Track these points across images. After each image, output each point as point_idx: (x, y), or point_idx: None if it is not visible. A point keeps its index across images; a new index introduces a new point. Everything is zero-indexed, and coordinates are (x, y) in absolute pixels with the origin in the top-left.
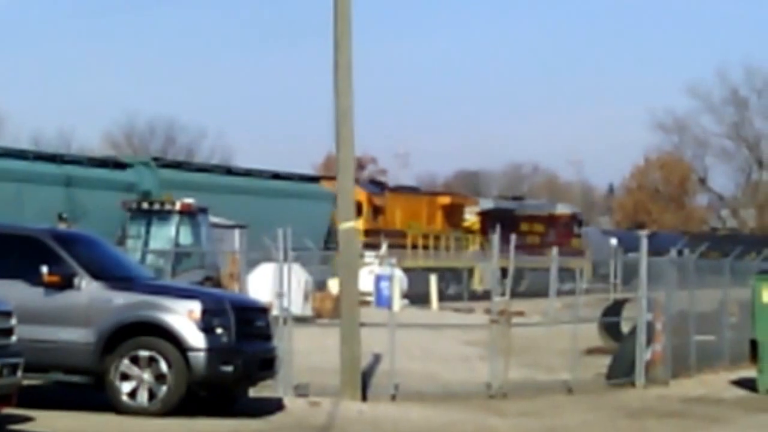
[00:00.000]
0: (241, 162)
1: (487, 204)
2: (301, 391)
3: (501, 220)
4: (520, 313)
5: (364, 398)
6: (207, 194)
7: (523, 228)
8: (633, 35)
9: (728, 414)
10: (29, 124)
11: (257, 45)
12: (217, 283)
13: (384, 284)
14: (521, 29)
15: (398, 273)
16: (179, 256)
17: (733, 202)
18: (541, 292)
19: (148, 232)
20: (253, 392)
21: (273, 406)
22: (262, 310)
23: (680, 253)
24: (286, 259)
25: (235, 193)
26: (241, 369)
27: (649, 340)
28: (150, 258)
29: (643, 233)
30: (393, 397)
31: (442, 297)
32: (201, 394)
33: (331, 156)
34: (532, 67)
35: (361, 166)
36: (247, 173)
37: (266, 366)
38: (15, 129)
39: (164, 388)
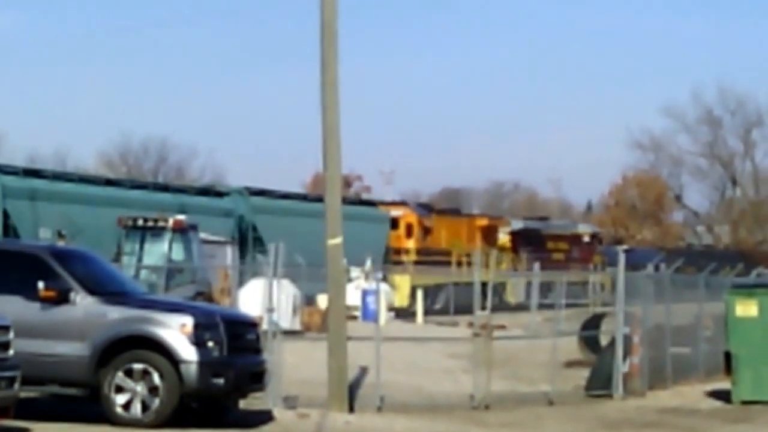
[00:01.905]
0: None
1: (517, 224)
2: (290, 403)
3: (530, 239)
4: (502, 327)
5: (351, 410)
6: (289, 217)
7: (549, 246)
8: (610, 57)
9: (704, 424)
10: (26, 144)
11: (247, 65)
12: (209, 298)
13: (370, 299)
14: (503, 51)
15: (384, 288)
16: (172, 272)
17: (708, 218)
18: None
19: (142, 248)
20: (243, 404)
21: (263, 417)
22: (252, 324)
23: (657, 268)
24: (275, 275)
25: (311, 217)
26: (231, 381)
27: (627, 353)
28: (144, 273)
29: (621, 249)
30: (379, 409)
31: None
32: (193, 405)
33: (319, 174)
34: (513, 88)
35: (347, 183)
36: (319, 199)
37: (256, 379)
38: (12, 148)
39: (157, 400)
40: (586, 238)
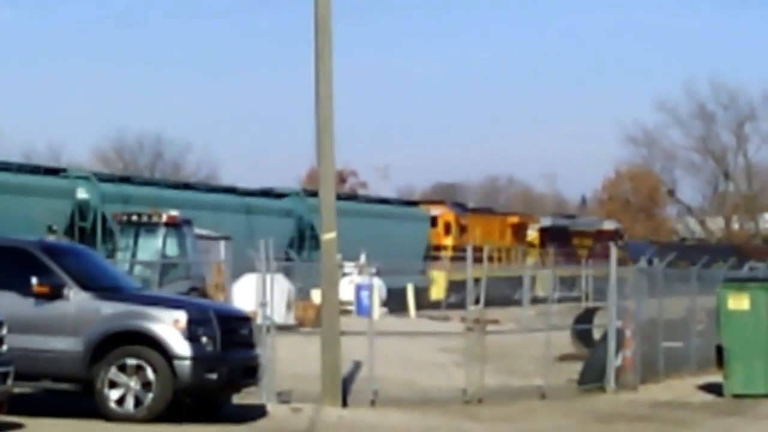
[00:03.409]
0: (227, 175)
1: (546, 222)
2: (283, 397)
3: (556, 236)
4: (495, 321)
5: (345, 404)
6: (340, 218)
7: (575, 242)
8: (603, 52)
9: (695, 418)
10: (20, 139)
11: (241, 60)
12: (203, 293)
13: (364, 293)
14: (497, 47)
15: (377, 282)
16: (166, 267)
17: (701, 212)
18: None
19: (136, 243)
20: (237, 399)
21: (256, 412)
22: (246, 319)
23: (650, 262)
24: (269, 270)
25: (360, 217)
26: (225, 376)
27: (619, 347)
28: (138, 269)
29: (613, 243)
30: (372, 403)
31: (509, 302)
32: (186, 400)
33: (314, 170)
34: (507, 84)
35: (342, 179)
36: (367, 200)
37: (250, 373)
38: (6, 144)
39: (151, 395)
40: (609, 234)
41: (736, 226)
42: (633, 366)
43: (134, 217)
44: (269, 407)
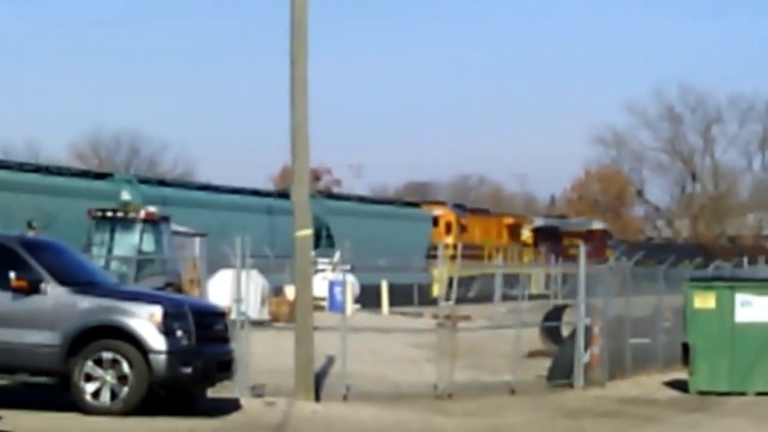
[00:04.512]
0: (202, 173)
1: (539, 222)
2: (257, 391)
3: (548, 236)
4: (467, 318)
5: (318, 398)
6: (352, 218)
7: (566, 242)
8: (574, 54)
9: (661, 414)
10: None
11: (217, 60)
12: (179, 289)
13: (337, 290)
14: (468, 48)
15: (351, 279)
16: (142, 263)
17: (668, 213)
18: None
19: (112, 239)
20: (211, 392)
21: (230, 406)
22: (221, 314)
23: (618, 260)
24: (243, 266)
25: (371, 217)
26: (200, 370)
27: (587, 344)
28: (114, 264)
29: (582, 243)
30: (345, 398)
31: (506, 297)
32: (161, 394)
33: (288, 167)
34: (479, 84)
35: (316, 177)
36: (374, 201)
37: (224, 368)
38: None
39: (126, 389)
40: (599, 234)
41: (702, 226)
42: (600, 362)
43: (109, 213)
44: (243, 401)
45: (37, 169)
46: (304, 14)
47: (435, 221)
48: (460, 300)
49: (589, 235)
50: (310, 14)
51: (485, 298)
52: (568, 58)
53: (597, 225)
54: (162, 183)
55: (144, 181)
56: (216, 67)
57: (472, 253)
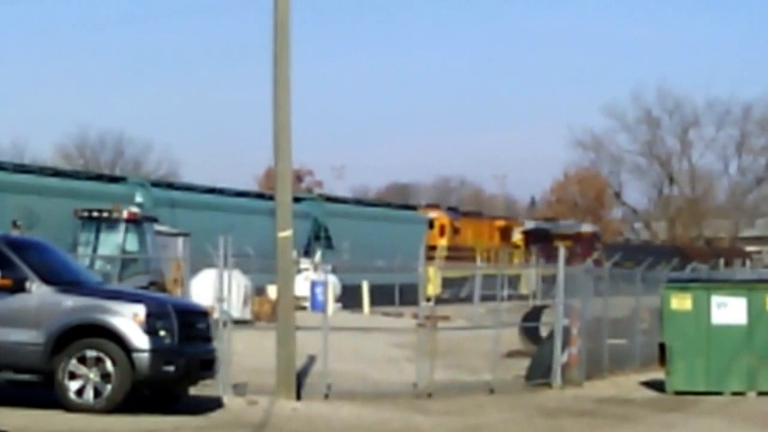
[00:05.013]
0: (186, 174)
1: (530, 225)
2: (239, 390)
3: (539, 238)
4: (446, 318)
5: (299, 397)
6: (350, 220)
7: (556, 244)
8: (554, 58)
9: (638, 413)
10: None
11: (202, 62)
12: (162, 288)
13: (319, 290)
14: (450, 51)
15: (332, 279)
16: (126, 262)
17: (646, 215)
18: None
19: (97, 239)
20: (194, 391)
21: (213, 404)
22: (204, 314)
23: (596, 262)
24: (226, 266)
25: (368, 220)
26: (182, 369)
27: (566, 344)
28: (98, 263)
29: (561, 244)
30: (326, 396)
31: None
32: (144, 392)
33: (271, 169)
34: (460, 86)
35: (298, 178)
36: (374, 204)
37: (206, 366)
38: None
39: (110, 387)
40: (588, 237)
41: (679, 228)
42: (578, 363)
43: (95, 213)
44: (225, 399)
45: (56, 173)
46: (287, 17)
47: (430, 224)
48: (452, 300)
49: (578, 238)
50: (293, 16)
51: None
52: (549, 63)
53: (587, 228)
54: (171, 186)
55: (155, 184)
56: (200, 68)
57: (465, 254)
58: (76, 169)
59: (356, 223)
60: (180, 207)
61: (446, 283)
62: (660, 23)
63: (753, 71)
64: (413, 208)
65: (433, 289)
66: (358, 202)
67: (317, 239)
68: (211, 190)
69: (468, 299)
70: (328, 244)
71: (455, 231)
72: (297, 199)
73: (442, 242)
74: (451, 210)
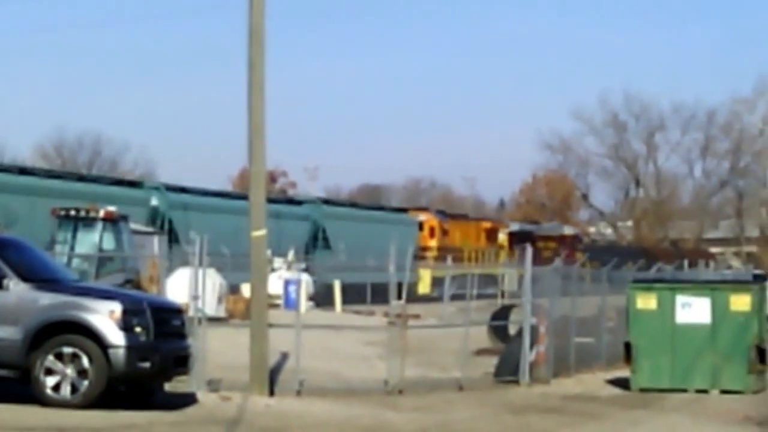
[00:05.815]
0: (163, 174)
1: (514, 227)
2: (213, 386)
3: (523, 239)
4: (416, 316)
5: (272, 393)
6: (346, 222)
7: (540, 245)
8: (523, 62)
9: (604, 410)
10: None
11: (178, 64)
12: (137, 286)
13: (292, 288)
14: (420, 54)
15: (305, 277)
16: (102, 260)
17: (612, 217)
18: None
19: (74, 237)
20: (168, 387)
21: (187, 400)
22: (178, 311)
23: (564, 262)
24: (201, 264)
25: (363, 222)
26: (157, 365)
27: (533, 342)
28: (76, 261)
29: (529, 245)
30: (298, 393)
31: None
32: (120, 388)
33: (246, 170)
34: (430, 89)
35: (272, 179)
36: (369, 207)
37: (181, 363)
38: None
39: (86, 383)
40: (570, 239)
41: (645, 229)
42: (546, 360)
43: (72, 212)
44: (199, 395)
45: (81, 177)
46: (262, 23)
47: (420, 226)
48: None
49: (561, 240)
50: (268, 19)
51: (461, 296)
52: (518, 67)
53: (569, 230)
54: (184, 190)
55: (170, 188)
56: (177, 70)
57: (453, 255)
58: (99, 174)
59: (352, 224)
60: (192, 210)
61: (436, 281)
62: (627, 29)
63: (718, 77)
64: (405, 210)
65: (423, 287)
66: (354, 205)
67: (315, 239)
68: (219, 194)
69: (461, 297)
70: (326, 245)
71: (444, 232)
72: (298, 203)
73: (432, 243)
74: (440, 213)
